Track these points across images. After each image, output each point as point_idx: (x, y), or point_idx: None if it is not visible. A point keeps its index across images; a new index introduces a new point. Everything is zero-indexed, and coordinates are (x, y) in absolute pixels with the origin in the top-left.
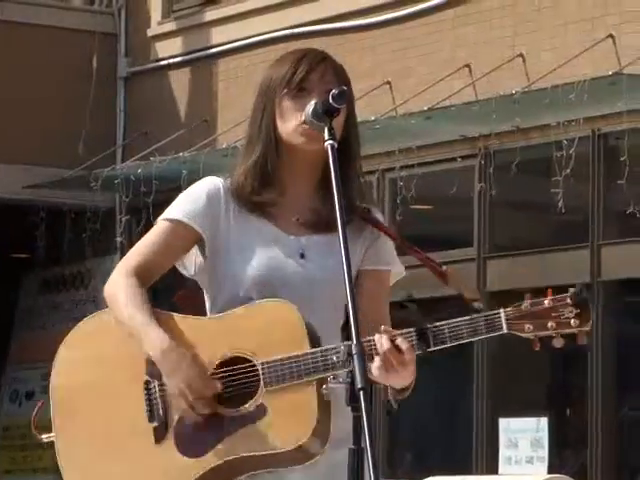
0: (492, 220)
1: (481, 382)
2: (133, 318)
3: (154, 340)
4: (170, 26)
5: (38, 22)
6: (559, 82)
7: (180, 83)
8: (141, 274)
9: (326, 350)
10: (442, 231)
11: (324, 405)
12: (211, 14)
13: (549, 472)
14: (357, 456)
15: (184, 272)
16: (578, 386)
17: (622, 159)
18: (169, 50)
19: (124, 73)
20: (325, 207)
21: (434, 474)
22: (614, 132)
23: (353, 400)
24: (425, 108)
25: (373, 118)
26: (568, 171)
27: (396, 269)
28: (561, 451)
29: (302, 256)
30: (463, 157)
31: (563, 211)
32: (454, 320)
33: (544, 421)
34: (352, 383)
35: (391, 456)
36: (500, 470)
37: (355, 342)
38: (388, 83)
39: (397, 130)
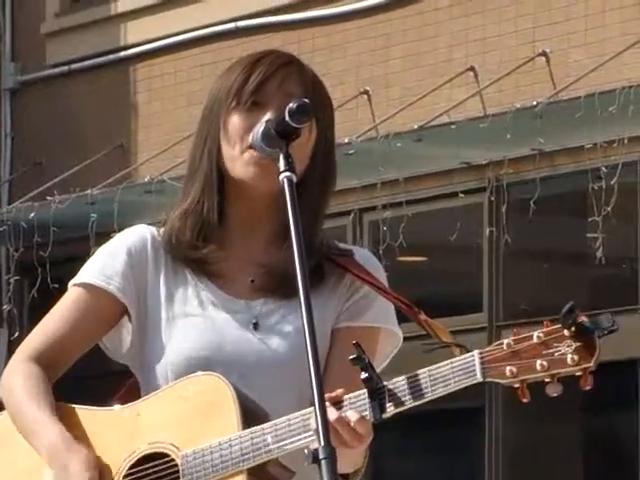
0: (507, 276)
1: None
2: (25, 413)
3: (44, 439)
4: (71, 20)
5: None
6: (595, 90)
7: (85, 96)
8: (46, 360)
9: (257, 431)
10: (441, 292)
11: None
12: (126, 3)
13: None
14: None
15: (110, 354)
16: None
17: None
18: (70, 52)
19: (10, 83)
20: (286, 262)
21: None
22: None
23: None
24: (415, 127)
25: (347, 140)
26: (609, 209)
27: (389, 328)
28: None
29: (255, 327)
30: (467, 192)
31: (603, 263)
32: (415, 372)
33: None
34: None
35: None
36: None
37: (323, 443)
38: (366, 93)
39: (378, 156)
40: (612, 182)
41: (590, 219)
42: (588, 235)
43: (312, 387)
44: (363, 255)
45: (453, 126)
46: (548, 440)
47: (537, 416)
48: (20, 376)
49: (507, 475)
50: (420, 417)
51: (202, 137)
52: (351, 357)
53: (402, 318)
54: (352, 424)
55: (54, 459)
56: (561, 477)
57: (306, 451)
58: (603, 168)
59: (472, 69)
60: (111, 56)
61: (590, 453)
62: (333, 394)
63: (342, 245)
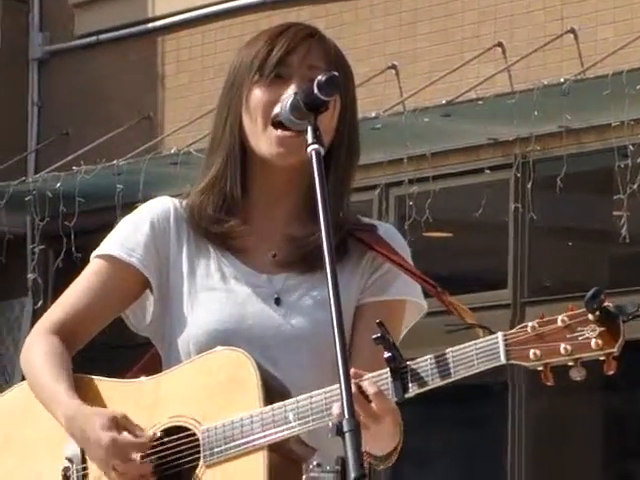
0: (532, 253)
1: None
2: (43, 386)
3: (62, 411)
4: None
5: None
6: (623, 68)
7: (113, 67)
8: (67, 332)
9: (279, 407)
10: (466, 268)
11: None
12: None
13: None
14: None
15: (132, 326)
16: None
17: None
18: (98, 23)
19: (38, 53)
20: (309, 237)
21: None
22: None
23: None
24: (443, 102)
25: (373, 115)
26: (635, 187)
27: (413, 299)
28: None
29: (277, 302)
30: (493, 168)
31: (628, 241)
32: (438, 353)
33: None
34: (343, 471)
35: None
36: None
37: (348, 415)
38: (393, 67)
39: (405, 131)
40: (638, 160)
41: (615, 197)
42: (613, 213)
43: (337, 359)
44: (387, 230)
45: (480, 102)
46: (572, 416)
47: (561, 392)
48: (40, 349)
49: (530, 451)
50: (442, 392)
51: (224, 110)
52: (374, 336)
53: (422, 292)
54: (370, 397)
55: (73, 426)
56: (585, 453)
57: (330, 424)
58: (630, 146)
59: (500, 45)
60: (139, 27)
61: (614, 430)
62: (360, 371)
63: (365, 220)
